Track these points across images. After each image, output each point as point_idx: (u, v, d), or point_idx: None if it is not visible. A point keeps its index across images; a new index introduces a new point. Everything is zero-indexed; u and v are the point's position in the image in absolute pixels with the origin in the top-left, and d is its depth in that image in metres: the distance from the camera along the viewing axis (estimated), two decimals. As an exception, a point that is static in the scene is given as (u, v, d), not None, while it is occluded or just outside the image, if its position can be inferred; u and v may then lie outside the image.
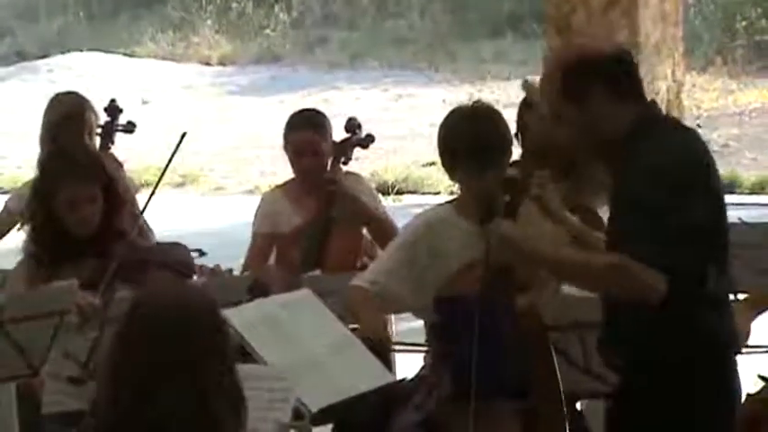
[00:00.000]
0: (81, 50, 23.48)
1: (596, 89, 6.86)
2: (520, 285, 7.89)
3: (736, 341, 7.14)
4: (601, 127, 6.86)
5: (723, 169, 8.78)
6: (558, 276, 7.39)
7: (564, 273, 7.25)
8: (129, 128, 10.49)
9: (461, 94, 8.46)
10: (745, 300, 8.71)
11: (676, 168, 6.79)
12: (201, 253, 9.72)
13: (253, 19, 26.69)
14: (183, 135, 10.07)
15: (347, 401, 7.69)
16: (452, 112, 8.43)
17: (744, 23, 23.88)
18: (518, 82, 9.12)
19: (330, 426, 8.78)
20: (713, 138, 15.85)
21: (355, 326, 8.45)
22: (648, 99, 7.15)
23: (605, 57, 7.12)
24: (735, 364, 7.09)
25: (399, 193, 17.26)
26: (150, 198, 10.17)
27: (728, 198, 7.16)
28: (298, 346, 7.36)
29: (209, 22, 26.62)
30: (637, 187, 6.74)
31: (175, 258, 9.01)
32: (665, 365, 6.78)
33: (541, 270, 7.45)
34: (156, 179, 10.33)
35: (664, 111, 7.54)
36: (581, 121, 6.91)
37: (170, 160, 10.12)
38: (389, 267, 8.97)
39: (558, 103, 6.99)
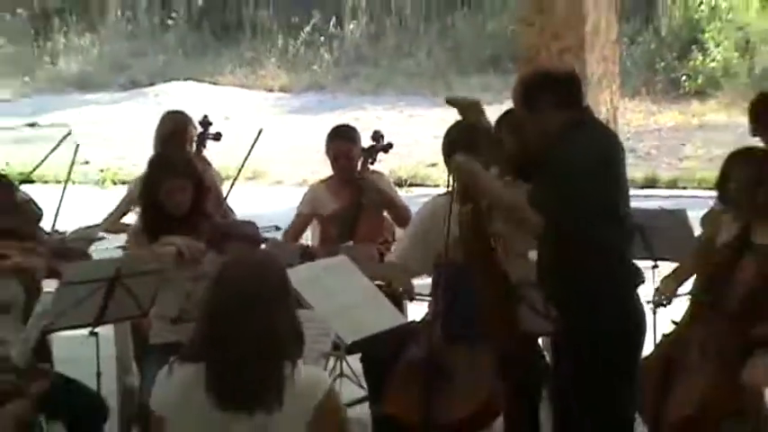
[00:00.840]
0: (179, 80, 23.32)
1: (543, 96, 6.89)
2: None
3: (637, 276, 7.20)
4: (545, 125, 6.89)
5: (646, 171, 8.80)
6: (487, 199, 7.31)
7: (490, 197, 7.25)
8: (217, 137, 10.55)
9: (455, 114, 8.42)
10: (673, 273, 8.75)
11: (583, 157, 6.84)
12: (277, 228, 9.81)
13: (304, 58, 26.50)
14: (260, 132, 10.18)
15: (371, 337, 7.76)
16: (450, 127, 8.36)
17: (662, 64, 23.74)
18: (499, 107, 9.13)
19: (359, 355, 8.82)
20: (639, 147, 15.88)
21: (379, 282, 8.47)
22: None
23: (555, 74, 7.22)
24: (636, 295, 7.19)
25: (411, 186, 17.17)
26: (231, 188, 10.28)
27: (652, 192, 7.22)
28: (335, 297, 7.48)
29: (272, 59, 26.43)
30: (555, 161, 6.81)
31: (248, 232, 9.09)
32: (583, 304, 6.86)
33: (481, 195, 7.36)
34: (235, 174, 10.41)
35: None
36: (530, 120, 6.98)
37: (248, 154, 10.29)
38: (407, 245, 9.16)
39: (518, 110, 7.09)
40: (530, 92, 7.00)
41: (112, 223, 10.45)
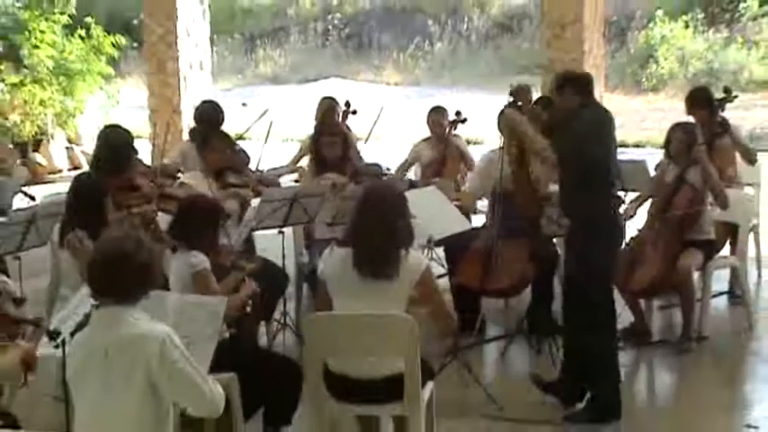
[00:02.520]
0: (332, 77, 23.21)
1: (567, 86, 6.93)
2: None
3: (619, 199, 7.25)
4: (568, 104, 6.91)
5: (620, 137, 8.67)
6: (525, 139, 7.22)
7: (527, 137, 7.11)
8: (354, 112, 10.45)
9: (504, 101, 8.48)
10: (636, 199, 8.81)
11: (592, 120, 6.85)
12: (388, 169, 9.86)
13: (409, 65, 26.26)
14: (382, 109, 10.32)
15: (451, 235, 7.82)
16: (505, 105, 8.31)
17: (630, 70, 23.60)
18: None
19: (443, 248, 8.82)
20: (617, 122, 15.63)
21: (456, 202, 8.53)
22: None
23: (575, 74, 7.26)
24: (618, 211, 7.18)
25: (475, 144, 16.98)
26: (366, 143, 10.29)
27: (623, 150, 7.17)
28: (429, 210, 7.43)
29: (390, 66, 26.24)
30: (574, 124, 6.84)
31: (375, 171, 9.18)
32: (585, 215, 6.80)
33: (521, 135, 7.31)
34: (366, 136, 10.43)
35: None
36: (558, 100, 7.00)
37: (375, 124, 10.24)
38: (474, 180, 9.28)
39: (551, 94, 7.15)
40: (560, 83, 7.03)
41: (292, 165, 10.50)
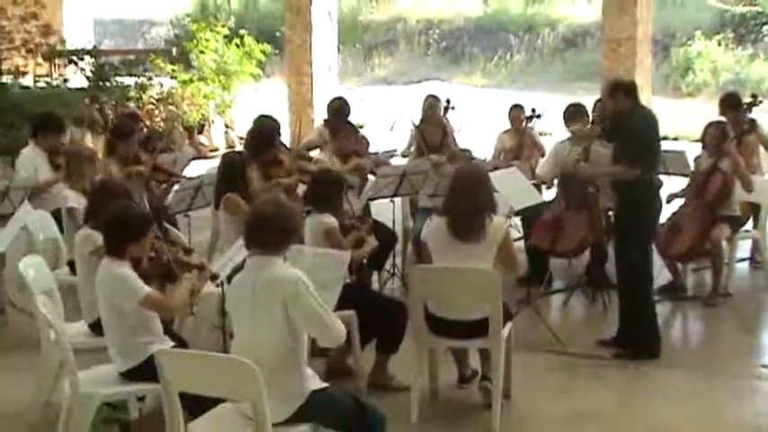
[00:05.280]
0: (432, 80, 23.11)
1: (619, 92, 6.78)
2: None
3: (660, 183, 6.99)
4: (620, 107, 6.77)
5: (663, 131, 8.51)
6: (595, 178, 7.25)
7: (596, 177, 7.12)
8: (453, 107, 10.25)
9: (567, 101, 8.37)
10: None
11: (643, 125, 6.71)
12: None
13: (494, 71, 26.03)
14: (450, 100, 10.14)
15: (527, 207, 7.72)
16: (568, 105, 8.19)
17: (672, 80, 23.13)
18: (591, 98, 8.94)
19: (519, 217, 8.71)
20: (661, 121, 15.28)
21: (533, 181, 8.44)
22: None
23: (625, 82, 7.10)
24: (660, 196, 6.99)
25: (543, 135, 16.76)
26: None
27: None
28: (510, 185, 7.37)
29: (478, 72, 26.01)
30: (627, 127, 6.70)
31: (465, 155, 9.01)
32: (633, 190, 6.67)
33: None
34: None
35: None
36: (612, 104, 6.85)
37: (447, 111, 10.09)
38: (545, 164, 9.06)
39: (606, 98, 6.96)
40: (613, 89, 6.88)
41: (406, 150, 10.26)
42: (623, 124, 6.75)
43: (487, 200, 5.88)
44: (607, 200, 7.81)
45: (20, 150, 8.87)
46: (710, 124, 8.53)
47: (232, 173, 7.01)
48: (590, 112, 8.75)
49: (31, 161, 8.47)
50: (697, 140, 8.90)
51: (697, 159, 8.63)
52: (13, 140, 12.14)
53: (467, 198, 5.81)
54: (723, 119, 8.81)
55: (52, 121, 8.70)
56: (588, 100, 9.19)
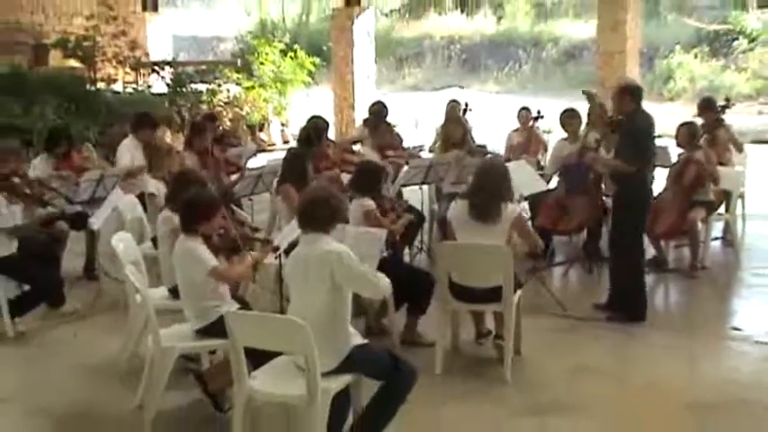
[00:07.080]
0: (455, 87, 22.98)
1: (627, 95, 6.64)
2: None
3: (653, 176, 6.89)
4: (625, 108, 6.61)
5: None
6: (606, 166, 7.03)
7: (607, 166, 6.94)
8: (471, 109, 10.15)
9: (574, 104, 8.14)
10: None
11: (644, 126, 6.58)
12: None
13: (517, 78, 25.88)
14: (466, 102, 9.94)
15: (533, 193, 7.64)
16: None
17: (656, 87, 22.80)
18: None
19: (527, 201, 8.59)
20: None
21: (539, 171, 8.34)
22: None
23: (631, 85, 6.94)
24: (651, 188, 6.86)
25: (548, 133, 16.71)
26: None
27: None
28: (520, 175, 7.24)
29: (491, 78, 25.88)
30: (630, 126, 6.56)
31: (485, 150, 8.93)
32: (628, 184, 6.55)
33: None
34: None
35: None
36: (617, 105, 6.69)
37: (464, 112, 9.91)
38: (550, 161, 8.87)
39: (613, 100, 6.77)
40: (622, 91, 6.72)
41: (432, 145, 10.14)
42: (626, 124, 6.61)
43: (506, 189, 5.81)
44: (606, 187, 7.73)
45: (115, 144, 8.90)
46: (682, 125, 8.36)
47: (296, 167, 7.05)
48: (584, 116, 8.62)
49: (130, 151, 8.46)
50: (675, 137, 8.78)
51: (679, 155, 8.51)
52: (110, 136, 12.02)
53: (489, 187, 5.74)
54: (695, 120, 8.72)
55: (148, 118, 8.73)
56: (585, 105, 9.04)
